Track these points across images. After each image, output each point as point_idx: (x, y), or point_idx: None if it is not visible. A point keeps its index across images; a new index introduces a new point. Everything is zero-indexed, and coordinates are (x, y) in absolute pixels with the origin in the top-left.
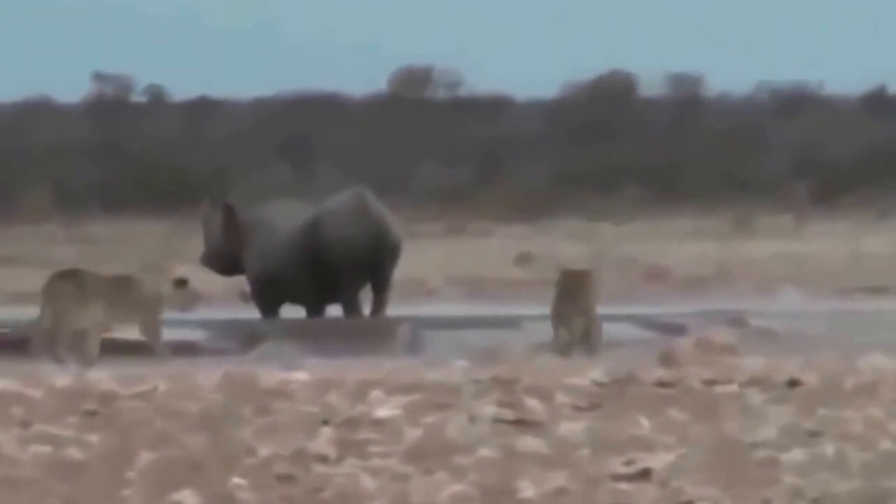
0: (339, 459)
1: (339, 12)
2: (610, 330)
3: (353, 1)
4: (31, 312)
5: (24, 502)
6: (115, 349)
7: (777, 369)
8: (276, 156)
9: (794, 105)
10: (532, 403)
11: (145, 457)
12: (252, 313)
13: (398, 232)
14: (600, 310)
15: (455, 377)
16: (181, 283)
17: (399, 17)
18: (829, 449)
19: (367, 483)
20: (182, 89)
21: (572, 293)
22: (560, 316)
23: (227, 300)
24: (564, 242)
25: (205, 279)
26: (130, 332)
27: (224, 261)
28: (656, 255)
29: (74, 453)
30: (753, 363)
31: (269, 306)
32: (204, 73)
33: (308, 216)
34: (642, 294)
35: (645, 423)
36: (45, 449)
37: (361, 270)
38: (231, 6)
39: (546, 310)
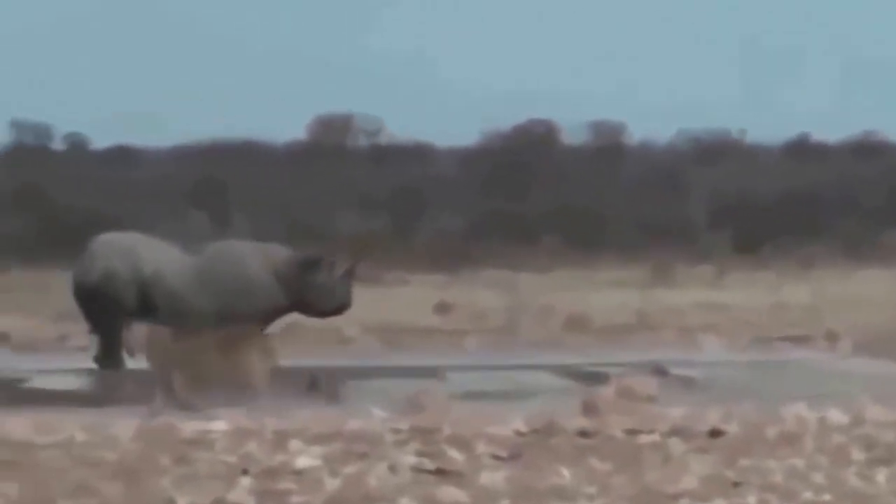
0: None
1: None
2: (531, 379)
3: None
4: None
5: None
6: (31, 398)
7: (699, 419)
8: (193, 203)
9: (716, 153)
10: (453, 453)
11: None
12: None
13: (95, 272)
14: (520, 359)
15: (375, 426)
16: None
17: (316, 63)
18: (751, 499)
19: None
20: (100, 137)
21: None
22: None
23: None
24: (483, 291)
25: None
26: (48, 381)
27: None
28: (576, 304)
29: None
30: (675, 413)
31: None
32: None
33: None
34: (563, 343)
35: (566, 472)
36: None
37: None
38: None
39: (464, 360)
